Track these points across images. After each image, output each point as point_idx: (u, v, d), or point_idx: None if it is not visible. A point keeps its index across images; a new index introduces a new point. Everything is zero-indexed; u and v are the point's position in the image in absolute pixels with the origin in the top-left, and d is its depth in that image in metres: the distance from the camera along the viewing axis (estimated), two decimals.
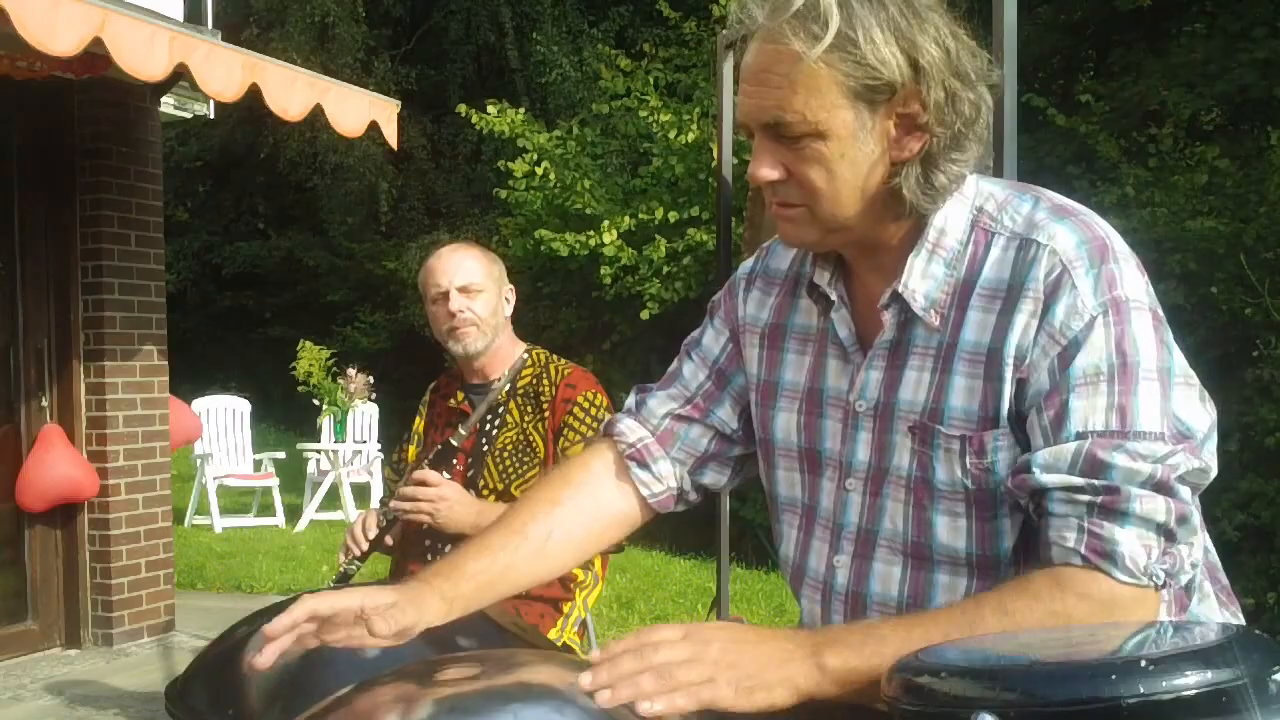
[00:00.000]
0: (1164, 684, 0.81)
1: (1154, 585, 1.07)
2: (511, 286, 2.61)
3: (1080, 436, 1.08)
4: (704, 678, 1.04)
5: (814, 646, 1.07)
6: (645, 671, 1.03)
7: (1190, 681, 0.81)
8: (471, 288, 2.48)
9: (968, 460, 1.15)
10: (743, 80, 1.16)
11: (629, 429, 1.41)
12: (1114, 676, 0.82)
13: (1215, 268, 5.97)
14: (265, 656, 1.19)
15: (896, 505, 1.21)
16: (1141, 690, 0.81)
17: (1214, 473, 1.14)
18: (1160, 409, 1.09)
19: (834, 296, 1.27)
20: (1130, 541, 1.06)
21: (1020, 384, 1.13)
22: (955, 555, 1.18)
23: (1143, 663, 0.83)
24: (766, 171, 1.17)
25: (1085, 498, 1.07)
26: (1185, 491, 1.08)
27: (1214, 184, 6.29)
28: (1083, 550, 1.07)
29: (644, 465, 1.39)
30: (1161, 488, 1.06)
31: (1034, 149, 6.83)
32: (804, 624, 1.33)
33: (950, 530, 1.18)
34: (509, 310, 2.58)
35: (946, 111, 1.12)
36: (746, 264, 1.43)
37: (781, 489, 1.35)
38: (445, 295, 2.48)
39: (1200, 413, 1.15)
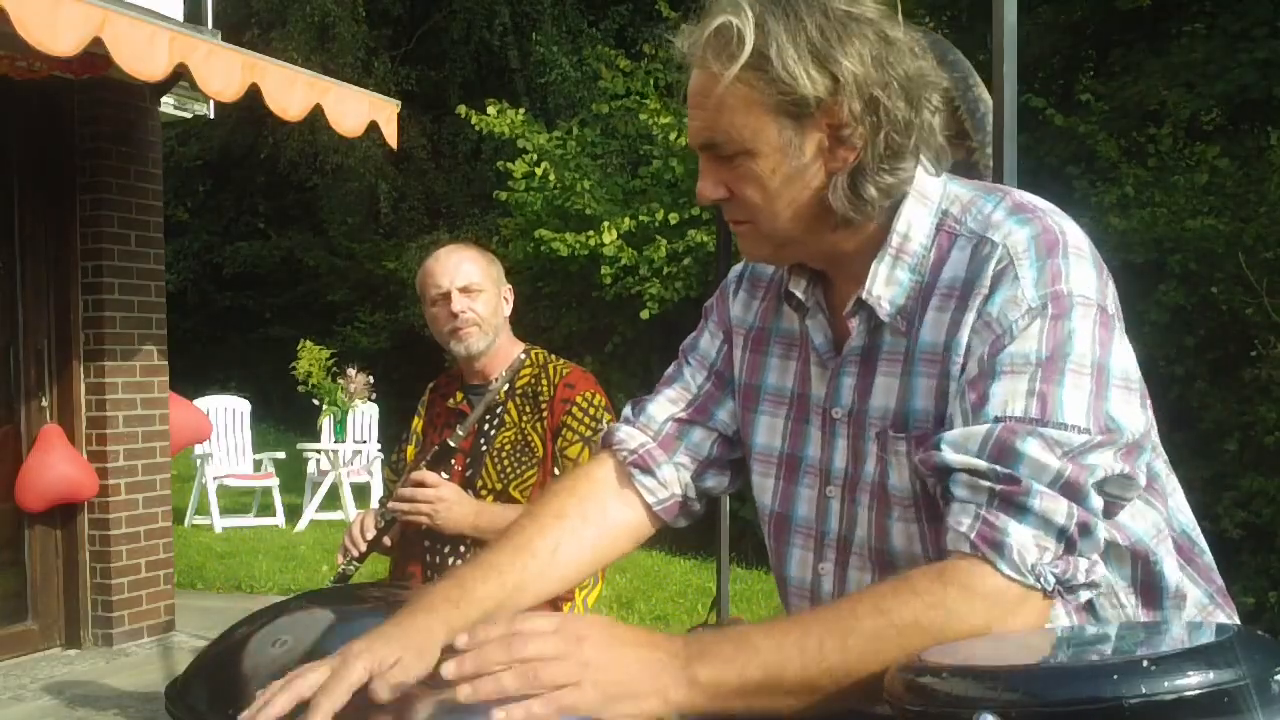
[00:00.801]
0: (1165, 684, 0.81)
1: (1041, 589, 1.02)
2: (510, 286, 2.61)
3: (997, 421, 1.05)
4: (570, 679, 0.99)
5: (686, 658, 1.02)
6: (510, 666, 0.99)
7: (1192, 681, 0.81)
8: (472, 288, 2.49)
9: (916, 460, 1.13)
10: (687, 104, 1.19)
11: (629, 436, 1.39)
12: (1115, 676, 0.82)
13: (1215, 267, 5.97)
14: None
15: (866, 512, 1.20)
16: (1143, 690, 0.81)
17: (1140, 486, 1.09)
18: (1087, 405, 1.05)
19: (809, 304, 1.27)
20: (1023, 537, 1.02)
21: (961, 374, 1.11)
22: (915, 561, 1.15)
23: (1144, 663, 0.83)
24: (710, 191, 1.19)
25: (986, 484, 1.04)
26: (1095, 501, 1.03)
27: (1214, 184, 6.29)
28: (973, 537, 1.03)
29: (647, 471, 1.37)
30: (1069, 489, 1.02)
31: (1034, 149, 6.82)
32: None
33: (905, 536, 1.16)
34: (508, 310, 2.58)
35: (874, 122, 1.12)
36: (737, 267, 1.44)
37: (754, 494, 1.34)
38: (446, 296, 2.48)
39: (1136, 414, 1.08)
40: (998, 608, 1.02)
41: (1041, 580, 1.02)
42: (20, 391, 4.86)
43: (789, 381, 1.31)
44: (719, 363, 1.41)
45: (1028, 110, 6.54)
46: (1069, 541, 1.02)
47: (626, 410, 1.44)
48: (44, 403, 4.91)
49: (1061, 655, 0.99)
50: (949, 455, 1.06)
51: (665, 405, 1.41)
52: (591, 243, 8.40)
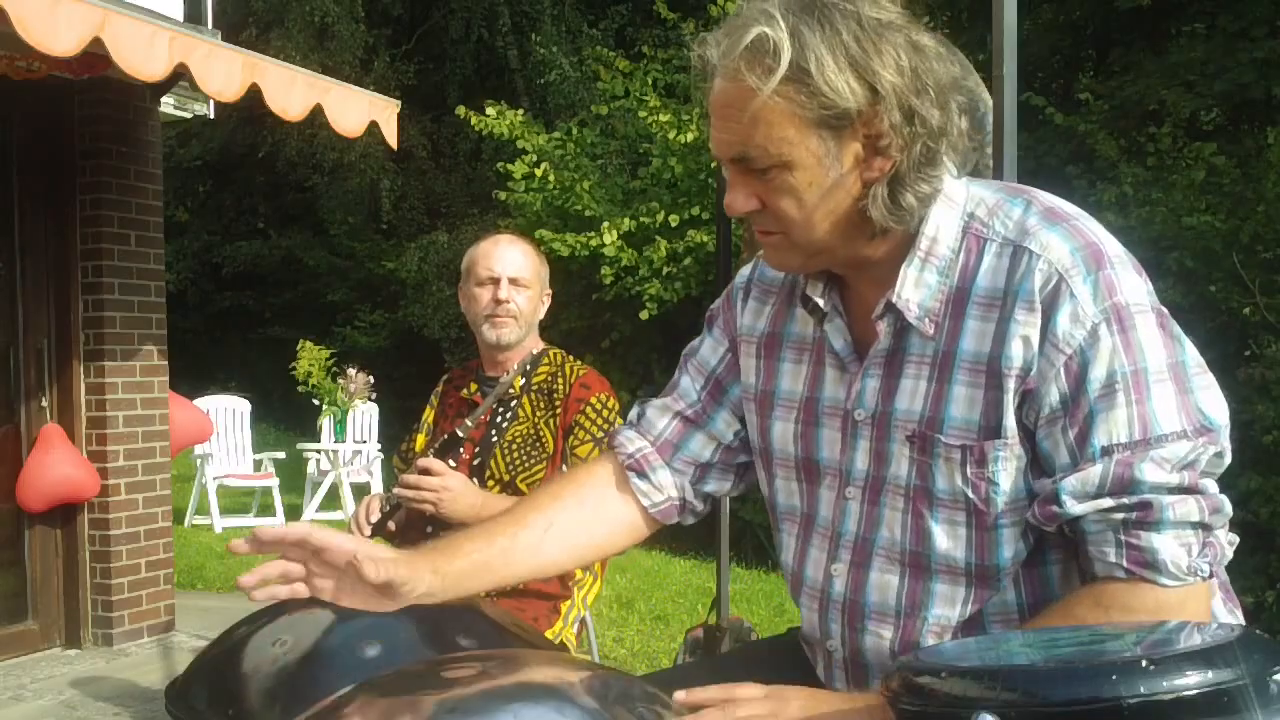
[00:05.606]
0: (1164, 684, 0.81)
1: (1200, 579, 1.08)
2: (549, 290, 2.67)
3: (1105, 452, 1.08)
4: None
5: (884, 711, 1.07)
6: None
7: (1191, 682, 0.81)
8: (521, 281, 2.56)
9: (968, 470, 1.15)
10: (711, 115, 1.16)
11: (628, 440, 1.43)
12: (1114, 676, 0.82)
13: (1213, 266, 5.97)
14: (240, 546, 1.30)
15: (894, 514, 1.21)
16: (1142, 690, 0.81)
17: (1229, 458, 1.13)
18: (1177, 405, 1.09)
19: (827, 308, 1.27)
20: (1169, 546, 1.07)
21: (1026, 395, 1.12)
22: (954, 565, 1.17)
23: (1143, 663, 0.83)
24: (741, 204, 1.17)
25: (1119, 515, 1.07)
26: (1212, 485, 1.09)
27: (1211, 181, 6.29)
28: (1125, 564, 1.08)
29: (642, 475, 1.40)
30: (1191, 490, 1.07)
31: (1033, 148, 6.83)
32: (804, 631, 1.34)
33: (949, 539, 1.17)
34: (543, 312, 2.65)
35: (910, 130, 1.11)
36: (743, 272, 1.43)
37: (780, 498, 1.35)
38: (496, 281, 2.54)
39: (1219, 400, 1.13)
40: (1164, 614, 1.06)
41: (1198, 573, 1.07)
42: (20, 391, 4.85)
43: (799, 385, 1.31)
44: (719, 370, 1.41)
45: (1028, 110, 6.54)
46: (1205, 528, 1.08)
47: (632, 412, 1.47)
48: (44, 403, 4.91)
49: (1061, 655, 0.99)
50: (1074, 506, 1.09)
51: (664, 411, 1.43)
52: (593, 244, 8.40)
